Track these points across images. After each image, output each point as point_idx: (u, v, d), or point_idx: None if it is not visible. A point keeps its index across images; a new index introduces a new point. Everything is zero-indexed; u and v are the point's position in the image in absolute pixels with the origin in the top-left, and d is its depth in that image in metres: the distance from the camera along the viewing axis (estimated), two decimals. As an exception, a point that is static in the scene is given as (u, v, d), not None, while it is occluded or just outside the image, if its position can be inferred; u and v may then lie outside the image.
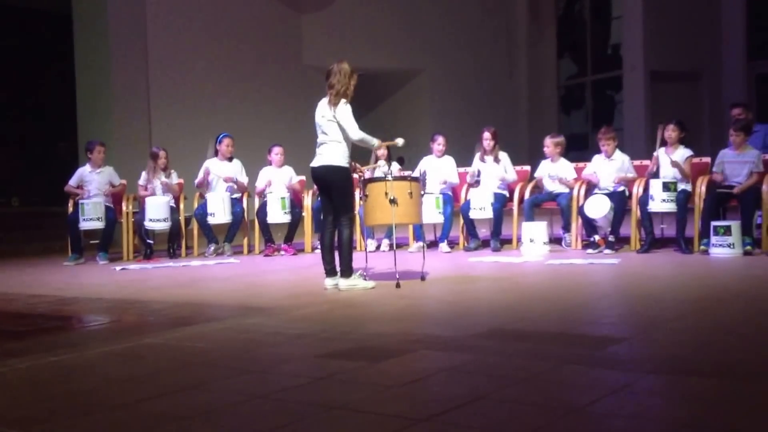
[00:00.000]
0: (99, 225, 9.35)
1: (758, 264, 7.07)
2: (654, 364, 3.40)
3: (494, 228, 9.04)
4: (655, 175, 8.39)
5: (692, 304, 5.12)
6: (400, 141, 6.48)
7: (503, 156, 9.33)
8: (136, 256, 9.58)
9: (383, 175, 6.41)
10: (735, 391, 2.98)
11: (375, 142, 6.26)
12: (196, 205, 9.83)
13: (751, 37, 14.66)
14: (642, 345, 3.85)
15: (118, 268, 8.61)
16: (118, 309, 5.89)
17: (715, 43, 14.93)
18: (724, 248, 7.61)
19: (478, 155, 9.41)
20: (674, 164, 8.22)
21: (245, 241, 9.91)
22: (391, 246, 6.92)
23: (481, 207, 8.97)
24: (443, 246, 9.21)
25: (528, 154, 10.18)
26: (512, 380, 3.22)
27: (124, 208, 9.69)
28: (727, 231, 7.62)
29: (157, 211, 9.30)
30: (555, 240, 8.98)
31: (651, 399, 2.92)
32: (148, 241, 9.46)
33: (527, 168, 9.64)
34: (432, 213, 8.85)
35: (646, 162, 8.79)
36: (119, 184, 9.85)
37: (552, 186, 9.06)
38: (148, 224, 9.33)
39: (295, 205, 9.58)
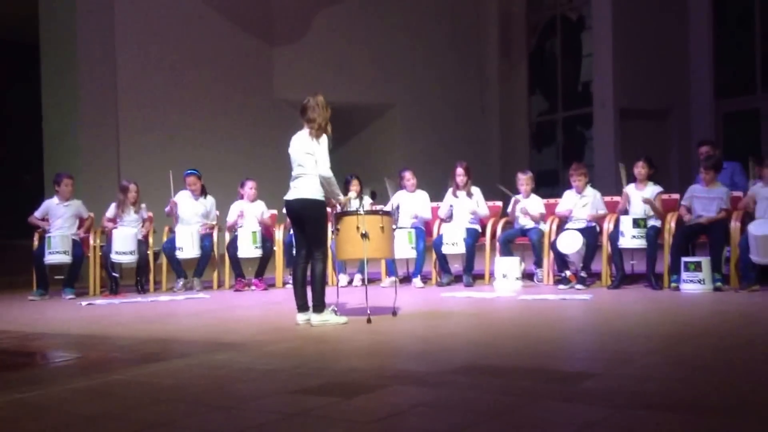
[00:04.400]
0: (65, 259, 9.18)
1: (727, 300, 7.13)
2: (626, 400, 3.40)
3: (467, 263, 9.04)
4: (625, 211, 8.47)
5: (663, 340, 5.14)
6: (352, 194, 6.56)
7: (476, 191, 9.37)
8: (103, 291, 9.42)
9: (355, 210, 6.39)
10: (704, 426, 2.99)
11: (340, 196, 6.25)
12: (164, 238, 9.71)
13: (718, 75, 14.96)
14: (614, 380, 3.85)
15: (84, 303, 8.43)
16: (85, 345, 5.78)
17: (683, 81, 15.21)
18: (694, 284, 7.67)
19: (450, 190, 9.45)
20: (646, 201, 8.31)
21: (215, 275, 9.81)
22: (363, 281, 6.91)
23: (454, 242, 8.98)
24: (416, 281, 9.19)
25: (500, 190, 10.21)
26: (486, 416, 3.20)
27: (91, 241, 9.55)
28: (697, 267, 7.69)
29: (124, 244, 9.16)
30: (528, 275, 8.99)
31: (625, 435, 2.91)
32: (114, 274, 9.29)
33: (499, 203, 9.69)
34: (405, 248, 8.84)
35: (616, 198, 8.87)
36: (87, 216, 9.72)
37: (523, 221, 9.10)
38: (115, 257, 9.18)
39: (267, 240, 9.51)
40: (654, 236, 8.18)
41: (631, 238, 8.18)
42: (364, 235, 6.06)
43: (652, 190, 8.45)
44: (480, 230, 9.27)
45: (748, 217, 7.90)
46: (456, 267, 9.32)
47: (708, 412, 3.18)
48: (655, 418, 3.10)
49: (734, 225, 7.90)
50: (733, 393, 3.53)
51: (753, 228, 7.58)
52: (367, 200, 9.17)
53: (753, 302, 6.95)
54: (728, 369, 4.13)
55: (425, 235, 9.37)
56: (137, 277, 9.52)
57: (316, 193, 6.07)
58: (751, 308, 6.67)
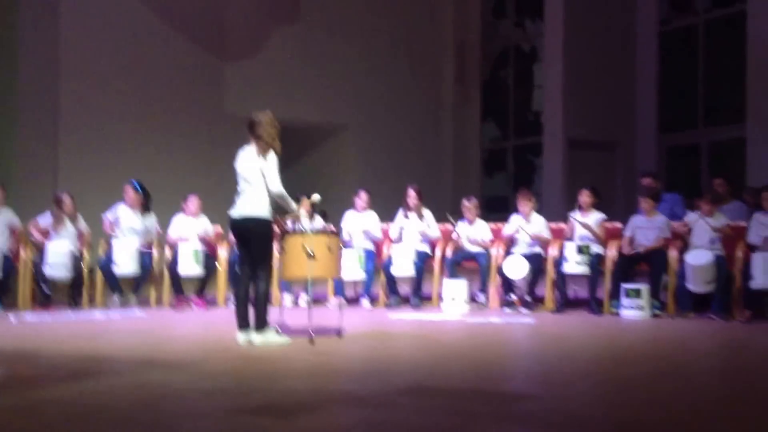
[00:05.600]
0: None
1: (665, 326, 7.30)
2: (563, 421, 3.44)
3: (415, 285, 9.07)
4: (570, 238, 8.63)
5: (601, 364, 5.23)
6: (316, 197, 6.51)
7: (427, 213, 9.42)
8: (34, 306, 9.11)
9: (303, 229, 6.37)
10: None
11: (294, 207, 6.23)
12: (101, 253, 9.44)
13: (662, 111, 15.34)
14: (553, 402, 3.90)
15: (13, 317, 8.20)
16: (13, 361, 5.53)
17: (629, 115, 15.56)
18: (634, 310, 7.85)
19: (401, 212, 9.48)
20: (585, 226, 8.49)
21: (153, 293, 9.56)
22: (308, 301, 6.89)
23: (403, 264, 9.00)
24: (364, 302, 9.18)
25: (451, 213, 10.27)
26: (423, 436, 3.21)
27: (22, 253, 9.24)
28: (637, 294, 7.87)
29: (57, 258, 8.88)
30: (472, 298, 9.05)
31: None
32: (46, 289, 9.00)
33: (449, 226, 9.73)
34: (354, 269, 8.84)
35: (562, 225, 9.01)
36: (19, 226, 9.40)
37: (470, 247, 9.18)
38: (48, 272, 8.91)
39: (209, 257, 9.36)
40: (596, 263, 8.34)
41: (575, 264, 8.33)
42: (310, 255, 6.05)
43: (595, 217, 8.62)
44: (429, 253, 9.31)
45: (686, 247, 8.11)
46: (404, 289, 9.34)
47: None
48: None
49: (672, 254, 8.10)
50: (667, 415, 3.59)
51: (690, 258, 7.80)
52: (318, 220, 9.16)
53: (688, 329, 7.14)
54: (662, 393, 4.21)
55: (374, 256, 9.38)
56: (71, 292, 9.16)
57: (262, 211, 6.04)
58: (686, 334, 6.86)
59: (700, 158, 14.78)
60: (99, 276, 9.30)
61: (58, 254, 8.84)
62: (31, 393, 4.24)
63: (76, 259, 9.04)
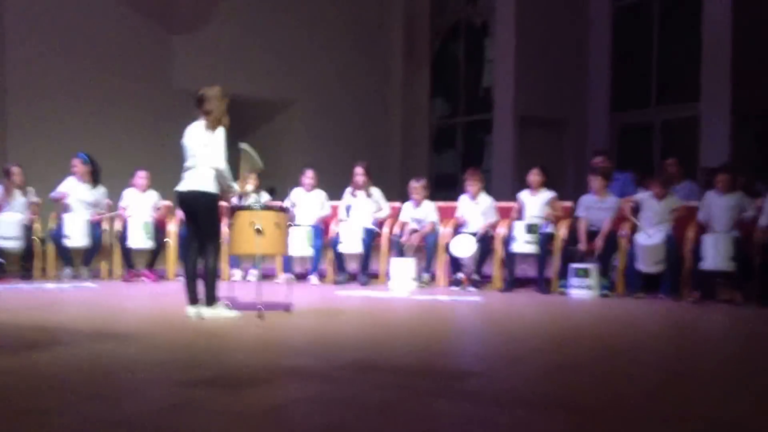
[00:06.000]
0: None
1: (613, 305, 7.38)
2: (508, 399, 3.46)
3: (363, 263, 9.07)
4: (519, 217, 8.67)
5: (548, 342, 5.28)
6: (249, 187, 6.47)
7: (375, 191, 9.40)
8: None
9: (251, 204, 6.31)
10: (579, 425, 3.07)
11: (236, 187, 6.16)
12: (52, 225, 9.36)
13: (615, 89, 15.43)
14: (499, 379, 3.92)
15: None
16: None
17: (581, 93, 15.62)
18: (582, 289, 7.92)
19: (349, 190, 9.45)
20: (550, 212, 8.50)
21: (104, 265, 9.53)
22: (257, 276, 6.84)
23: (351, 241, 8.99)
24: (312, 279, 9.17)
25: (399, 191, 10.29)
26: (371, 411, 3.21)
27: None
28: (586, 273, 7.93)
29: (9, 229, 8.87)
30: (420, 277, 9.07)
31: (498, 431, 2.97)
32: (-1, 260, 8.94)
33: (398, 204, 9.73)
34: (302, 246, 8.80)
35: (512, 203, 9.05)
36: None
37: (417, 226, 9.17)
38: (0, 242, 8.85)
39: (159, 231, 9.32)
40: (545, 242, 8.40)
41: (523, 243, 8.38)
42: (258, 231, 5.99)
43: (545, 195, 8.67)
44: (377, 231, 9.30)
45: (636, 227, 8.19)
46: (353, 266, 9.34)
47: (585, 412, 3.28)
48: (534, 417, 3.18)
49: (623, 234, 8.18)
50: (610, 394, 3.64)
51: (640, 238, 7.88)
52: (265, 196, 9.09)
53: (637, 308, 7.22)
54: (609, 372, 4.27)
55: (323, 233, 9.35)
56: (22, 263, 9.17)
57: (210, 186, 5.96)
58: (634, 314, 6.92)
59: (653, 137, 14.93)
60: (50, 248, 9.24)
61: (9, 225, 8.81)
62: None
63: (27, 230, 9.02)
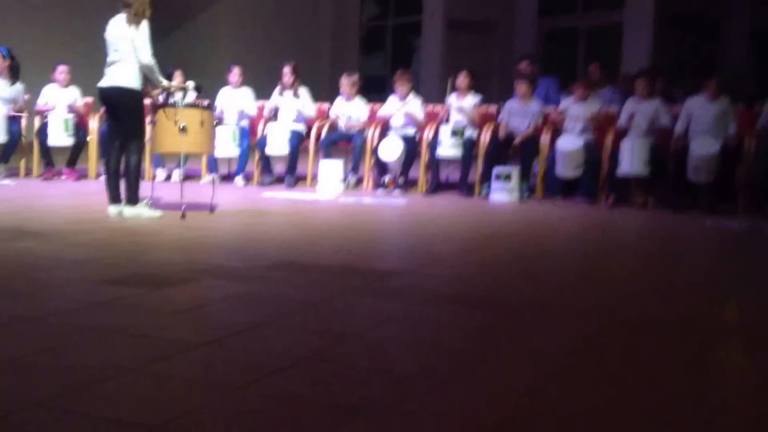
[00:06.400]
0: None
1: (532, 209, 7.58)
2: (427, 297, 3.57)
3: (290, 165, 9.04)
4: (445, 121, 8.72)
5: (469, 244, 5.42)
6: (191, 84, 6.33)
7: (303, 91, 9.29)
8: None
9: (174, 102, 6.18)
10: (497, 321, 3.21)
11: (161, 79, 6.01)
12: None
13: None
14: (421, 278, 4.03)
15: None
16: None
17: (510, -3, 15.60)
18: (504, 194, 8.08)
19: (277, 89, 9.33)
20: (460, 110, 8.59)
21: (22, 163, 9.29)
22: (181, 176, 6.74)
23: (278, 143, 8.93)
24: (238, 180, 9.11)
25: (328, 93, 10.21)
26: (294, 309, 3.27)
27: None
28: (507, 178, 8.09)
29: None
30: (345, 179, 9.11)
31: (425, 327, 3.07)
32: None
33: (326, 105, 9.67)
34: (228, 146, 8.72)
35: (439, 107, 9.09)
36: None
37: (346, 124, 9.16)
38: None
39: (80, 128, 9.10)
40: (470, 146, 8.50)
41: (448, 147, 8.46)
42: (183, 129, 5.91)
43: (471, 100, 8.72)
44: (304, 132, 9.25)
45: (557, 133, 8.34)
46: (279, 168, 9.31)
47: (502, 308, 3.41)
48: (453, 313, 3.30)
49: (544, 139, 8.33)
50: (526, 292, 3.79)
51: (561, 143, 8.04)
52: (192, 93, 8.91)
53: (555, 212, 7.44)
54: (523, 272, 4.43)
55: (249, 134, 9.25)
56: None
57: (132, 82, 5.83)
58: (552, 217, 7.15)
59: (578, 43, 15.06)
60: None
61: None
62: None
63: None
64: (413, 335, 2.95)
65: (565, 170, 8.04)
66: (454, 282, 3.99)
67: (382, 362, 2.58)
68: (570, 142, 8.02)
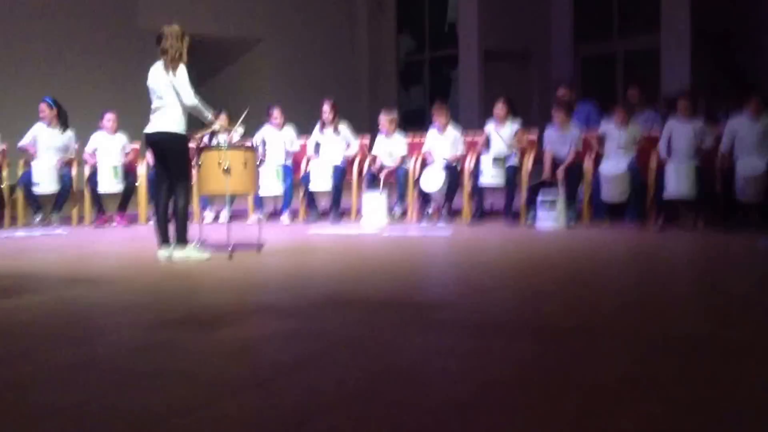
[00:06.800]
0: None
1: (579, 236, 7.51)
2: (478, 327, 3.56)
3: (334, 200, 9.12)
4: (486, 150, 8.73)
5: (516, 272, 5.40)
6: (239, 129, 6.46)
7: (343, 127, 9.40)
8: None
9: (218, 144, 6.30)
10: (546, 352, 3.18)
11: (209, 115, 6.13)
12: (20, 172, 9.29)
13: (577, 20, 15.40)
14: (468, 310, 4.02)
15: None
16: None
17: (544, 25, 15.59)
18: (549, 221, 8.03)
19: (317, 127, 9.44)
20: (515, 143, 8.56)
21: (75, 211, 9.49)
22: (227, 217, 6.85)
23: (321, 179, 9.02)
24: (283, 218, 9.21)
25: (368, 128, 10.31)
26: (342, 345, 3.29)
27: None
28: (552, 204, 8.04)
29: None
30: (391, 212, 9.15)
31: (474, 360, 3.06)
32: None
33: (367, 141, 9.75)
34: (272, 184, 8.82)
35: (479, 136, 9.10)
36: None
37: (388, 161, 9.22)
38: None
39: (129, 174, 9.28)
40: (512, 174, 8.50)
41: (490, 176, 8.47)
42: (226, 170, 6.01)
43: (511, 127, 8.73)
44: (347, 167, 9.33)
45: (600, 157, 8.29)
46: (323, 203, 9.38)
47: (550, 338, 3.39)
48: (501, 345, 3.28)
49: (587, 165, 8.29)
50: (576, 319, 3.76)
51: (604, 168, 8.00)
52: (236, 135, 9.05)
53: (602, 237, 7.37)
54: (576, 299, 4.39)
55: (293, 172, 9.36)
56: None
57: (177, 126, 5.95)
58: (599, 242, 7.08)
59: (615, 68, 14.99)
60: (19, 195, 9.19)
61: None
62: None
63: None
64: (462, 368, 2.94)
65: (611, 195, 7.99)
66: (502, 312, 3.97)
67: (430, 397, 2.58)
68: (613, 167, 7.97)
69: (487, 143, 8.80)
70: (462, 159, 8.86)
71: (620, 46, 14.92)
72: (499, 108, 8.77)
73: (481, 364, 2.99)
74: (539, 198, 8.13)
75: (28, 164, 9.24)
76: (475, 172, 8.59)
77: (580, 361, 3.01)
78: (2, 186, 9.15)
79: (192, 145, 6.37)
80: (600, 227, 7.95)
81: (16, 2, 12.84)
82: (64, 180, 9.18)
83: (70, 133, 9.45)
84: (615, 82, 14.70)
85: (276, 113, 9.49)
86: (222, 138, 6.29)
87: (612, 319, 3.78)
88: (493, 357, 3.10)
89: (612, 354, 3.10)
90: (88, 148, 9.40)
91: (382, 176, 9.00)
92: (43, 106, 9.29)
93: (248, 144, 6.66)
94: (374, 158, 9.28)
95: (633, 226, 7.83)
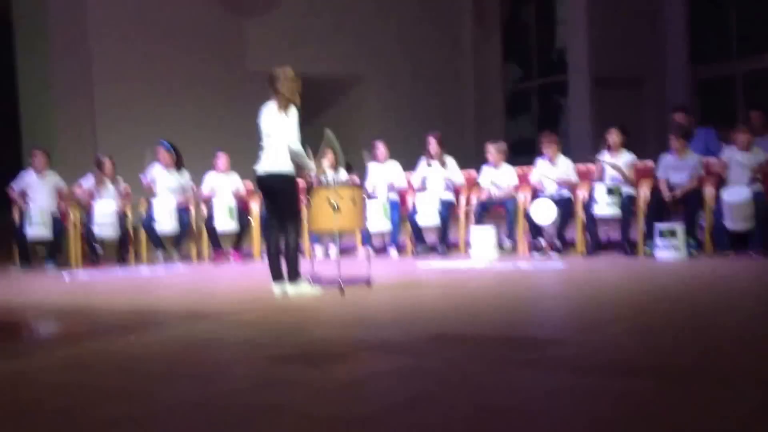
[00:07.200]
0: (46, 233, 9.25)
1: (700, 266, 7.20)
2: (591, 366, 3.44)
3: (441, 233, 9.08)
4: (599, 179, 8.51)
5: (634, 307, 5.20)
6: (328, 134, 6.52)
7: (450, 161, 9.37)
8: (85, 264, 9.45)
9: (326, 182, 6.41)
10: (666, 391, 3.03)
11: (311, 166, 6.23)
12: (142, 212, 9.72)
13: (693, 42, 14.94)
14: (581, 347, 3.89)
15: (66, 275, 8.47)
16: (66, 317, 5.84)
17: (658, 48, 15.19)
18: (669, 251, 7.72)
19: (424, 161, 9.45)
20: (614, 167, 8.36)
21: (194, 248, 9.82)
22: (337, 252, 6.92)
23: (428, 213, 9.00)
24: (391, 252, 9.22)
25: (475, 160, 10.26)
26: (452, 382, 3.24)
27: (70, 214, 9.57)
28: (672, 234, 7.73)
29: (104, 218, 9.25)
30: (500, 245, 9.03)
31: (586, 399, 2.95)
32: (96, 247, 9.38)
33: (474, 172, 9.67)
34: (380, 220, 8.86)
35: (591, 166, 8.89)
36: (66, 189, 9.74)
37: (497, 193, 9.11)
38: (97, 231, 9.26)
39: (243, 212, 9.54)
40: (628, 204, 8.24)
41: (605, 206, 8.23)
42: (335, 207, 6.08)
43: (625, 158, 8.50)
44: (454, 200, 9.28)
45: (722, 183, 7.95)
46: (431, 237, 9.36)
47: (669, 376, 3.23)
48: (616, 383, 3.15)
49: (708, 192, 7.96)
50: (698, 356, 3.58)
51: (726, 195, 7.66)
52: (343, 172, 9.17)
53: (726, 268, 7.02)
54: (696, 335, 4.19)
55: (399, 206, 9.38)
56: (118, 250, 9.57)
57: (286, 166, 6.06)
58: (723, 274, 6.74)
59: (735, 90, 14.42)
60: (143, 234, 9.60)
61: (104, 214, 9.24)
62: (84, 345, 4.43)
63: (121, 219, 9.38)
64: (573, 408, 2.84)
65: (734, 223, 7.62)
66: (616, 349, 3.83)
67: (545, 438, 2.49)
68: (737, 194, 7.62)
69: (601, 173, 8.58)
70: (574, 189, 8.67)
71: (739, 67, 14.34)
72: (614, 135, 8.55)
73: (593, 403, 2.88)
74: (658, 227, 7.84)
75: (149, 204, 9.62)
76: (589, 202, 8.38)
77: (700, 402, 2.85)
78: (128, 225, 9.57)
79: (301, 183, 6.47)
80: (723, 257, 7.59)
81: (134, 49, 13.47)
82: (183, 219, 9.53)
83: (186, 173, 9.82)
84: (735, 105, 14.13)
85: (380, 148, 9.57)
86: (329, 176, 6.37)
87: (736, 357, 3.58)
88: (607, 396, 2.97)
89: (735, 396, 2.92)
90: (204, 188, 9.72)
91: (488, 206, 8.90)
92: (160, 150, 9.69)
93: (354, 181, 6.72)
94: (481, 190, 9.20)
95: (758, 255, 7.45)
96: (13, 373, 3.84)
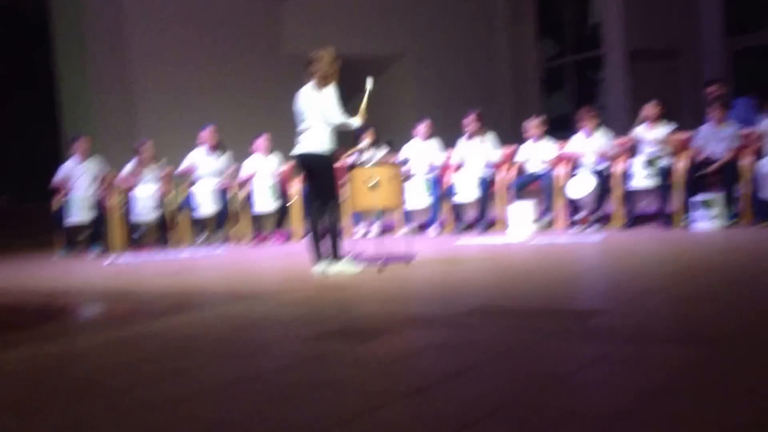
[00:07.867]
0: (87, 218, 9.45)
1: (739, 236, 7.18)
2: (631, 335, 3.49)
3: (480, 210, 9.12)
4: (636, 152, 8.50)
5: (672, 277, 5.22)
6: (369, 83, 6.51)
7: (489, 137, 9.40)
8: (127, 248, 9.66)
9: (365, 161, 6.49)
10: (707, 358, 3.07)
11: (355, 121, 6.28)
12: (183, 195, 9.90)
13: (728, 13, 14.70)
14: (622, 317, 3.94)
15: (108, 259, 8.67)
16: (110, 299, 5.96)
17: (692, 20, 14.99)
18: (706, 222, 7.71)
19: (463, 138, 9.48)
20: (657, 142, 8.32)
21: (234, 230, 9.97)
22: (378, 231, 7.02)
23: (468, 190, 9.05)
24: (431, 230, 9.29)
25: (512, 136, 10.26)
26: (495, 354, 3.30)
27: (111, 199, 9.77)
28: (710, 204, 7.72)
29: (145, 202, 9.43)
30: (538, 220, 9.05)
31: (628, 367, 3.00)
32: (137, 232, 9.58)
33: (511, 149, 9.70)
34: (420, 198, 8.93)
35: (627, 139, 8.87)
36: (107, 173, 9.95)
37: (534, 167, 9.14)
38: (137, 215, 9.45)
39: (283, 193, 9.66)
40: (665, 176, 8.22)
41: (642, 179, 8.23)
42: (373, 186, 6.15)
43: (663, 129, 8.46)
44: (493, 177, 9.32)
45: (760, 154, 7.89)
46: (470, 214, 9.40)
47: (711, 344, 3.27)
48: (658, 351, 3.19)
49: (745, 162, 7.91)
50: (735, 327, 3.61)
51: (763, 165, 7.61)
52: (383, 150, 9.25)
53: (764, 238, 6.99)
54: (734, 303, 4.21)
55: (439, 184, 9.44)
56: (159, 233, 9.76)
57: (322, 147, 6.15)
58: (761, 244, 6.72)
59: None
60: (183, 217, 9.78)
61: (145, 198, 9.42)
62: (128, 328, 4.51)
63: (162, 202, 9.55)
64: (617, 376, 2.89)
65: (771, 193, 7.58)
66: (657, 319, 3.87)
67: (586, 406, 2.55)
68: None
69: (637, 146, 8.56)
70: (615, 160, 8.64)
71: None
72: (651, 108, 8.52)
73: (638, 371, 2.93)
74: (696, 198, 7.82)
75: (189, 187, 9.80)
76: (626, 175, 8.37)
77: (740, 370, 2.89)
78: (168, 208, 9.74)
79: (339, 164, 6.55)
80: (762, 227, 7.55)
81: (171, 33, 13.62)
82: (223, 201, 9.68)
83: (226, 155, 9.97)
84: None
85: (427, 124, 9.62)
86: (368, 155, 6.44)
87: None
88: (652, 364, 3.02)
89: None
90: (245, 171, 9.85)
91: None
92: (207, 133, 9.83)
93: (393, 160, 6.78)
94: (520, 166, 9.22)
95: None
96: (58, 355, 3.94)
